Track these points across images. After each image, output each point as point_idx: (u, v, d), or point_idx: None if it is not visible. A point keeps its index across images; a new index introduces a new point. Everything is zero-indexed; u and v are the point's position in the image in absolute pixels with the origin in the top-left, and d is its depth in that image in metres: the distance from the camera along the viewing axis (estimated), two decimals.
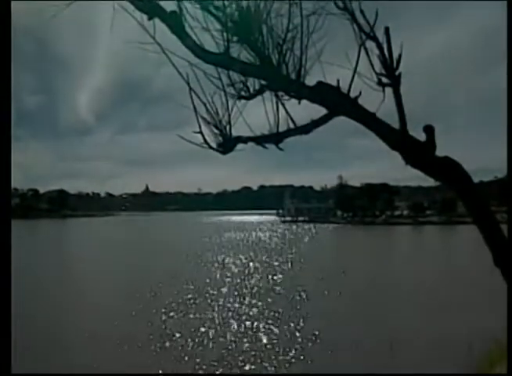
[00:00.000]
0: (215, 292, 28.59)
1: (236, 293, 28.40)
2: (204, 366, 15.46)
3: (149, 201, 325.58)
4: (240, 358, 16.43)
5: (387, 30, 4.02)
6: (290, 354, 16.81)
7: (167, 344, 17.97)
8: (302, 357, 16.40)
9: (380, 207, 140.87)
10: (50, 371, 14.80)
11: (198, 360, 15.99)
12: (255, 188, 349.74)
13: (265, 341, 18.56)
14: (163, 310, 23.36)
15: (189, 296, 27.20)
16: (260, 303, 25.25)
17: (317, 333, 19.08)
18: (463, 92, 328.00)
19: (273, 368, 15.60)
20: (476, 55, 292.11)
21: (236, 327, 20.57)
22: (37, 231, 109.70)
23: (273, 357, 16.53)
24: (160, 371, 14.98)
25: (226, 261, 45.74)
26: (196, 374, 13.59)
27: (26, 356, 15.51)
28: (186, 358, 16.33)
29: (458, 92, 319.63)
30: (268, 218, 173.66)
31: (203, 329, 20.02)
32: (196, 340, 18.52)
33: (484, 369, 9.00)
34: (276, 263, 43.68)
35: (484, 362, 9.87)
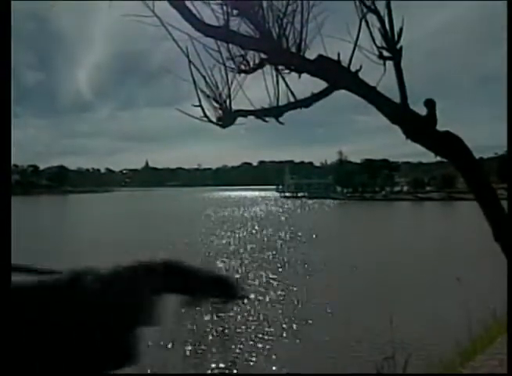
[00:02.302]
0: (221, 265, 28.93)
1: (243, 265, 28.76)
2: None
3: (150, 177, 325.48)
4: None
5: (388, 3, 3.98)
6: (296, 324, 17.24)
7: None
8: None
9: (380, 183, 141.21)
10: None
11: None
12: (255, 163, 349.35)
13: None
14: None
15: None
16: (271, 275, 25.62)
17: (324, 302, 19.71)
18: (464, 69, 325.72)
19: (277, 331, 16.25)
20: (479, 32, 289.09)
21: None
22: (37, 207, 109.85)
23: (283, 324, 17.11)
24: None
25: (232, 234, 46.03)
26: (195, 374, 13.75)
27: None
28: None
29: (459, 68, 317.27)
30: (268, 193, 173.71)
31: None
32: None
33: (483, 342, 9.13)
34: (282, 236, 44.08)
35: (484, 335, 10.01)
